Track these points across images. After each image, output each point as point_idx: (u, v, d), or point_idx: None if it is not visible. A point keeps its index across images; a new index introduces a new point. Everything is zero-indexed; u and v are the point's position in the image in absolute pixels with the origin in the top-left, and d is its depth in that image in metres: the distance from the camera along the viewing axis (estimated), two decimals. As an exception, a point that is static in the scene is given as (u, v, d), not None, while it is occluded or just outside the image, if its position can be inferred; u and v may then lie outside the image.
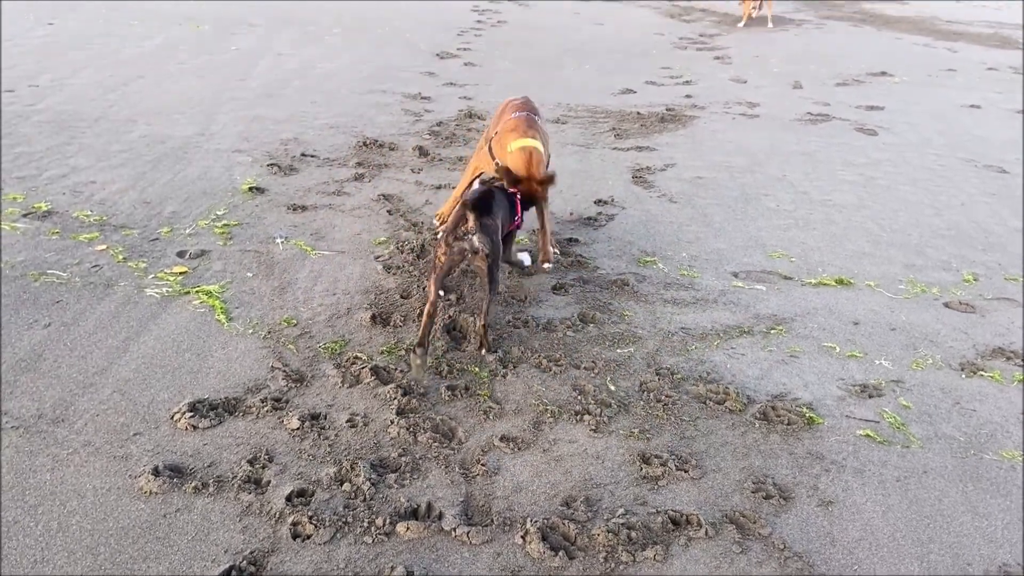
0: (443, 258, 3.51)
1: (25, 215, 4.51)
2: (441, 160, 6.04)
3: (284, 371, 3.31)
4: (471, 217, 3.48)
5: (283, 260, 4.30)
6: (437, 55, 9.42)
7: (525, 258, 4.27)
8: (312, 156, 5.90)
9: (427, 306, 3.46)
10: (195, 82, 7.54)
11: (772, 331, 3.91)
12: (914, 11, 13.69)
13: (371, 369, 3.36)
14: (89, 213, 4.61)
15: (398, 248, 4.51)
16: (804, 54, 10.40)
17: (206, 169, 5.48)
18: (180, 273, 4.04)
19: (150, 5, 11.06)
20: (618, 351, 3.67)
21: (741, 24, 11.91)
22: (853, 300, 4.27)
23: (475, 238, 3.48)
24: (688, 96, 8.23)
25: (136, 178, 5.20)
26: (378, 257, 4.43)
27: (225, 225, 4.64)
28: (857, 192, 5.78)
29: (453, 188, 5.12)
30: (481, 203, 3.57)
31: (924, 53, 10.58)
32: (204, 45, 9.09)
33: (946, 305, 4.28)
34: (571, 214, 5.17)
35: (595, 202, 5.42)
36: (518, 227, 4.04)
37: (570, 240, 4.77)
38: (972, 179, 6.12)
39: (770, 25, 11.85)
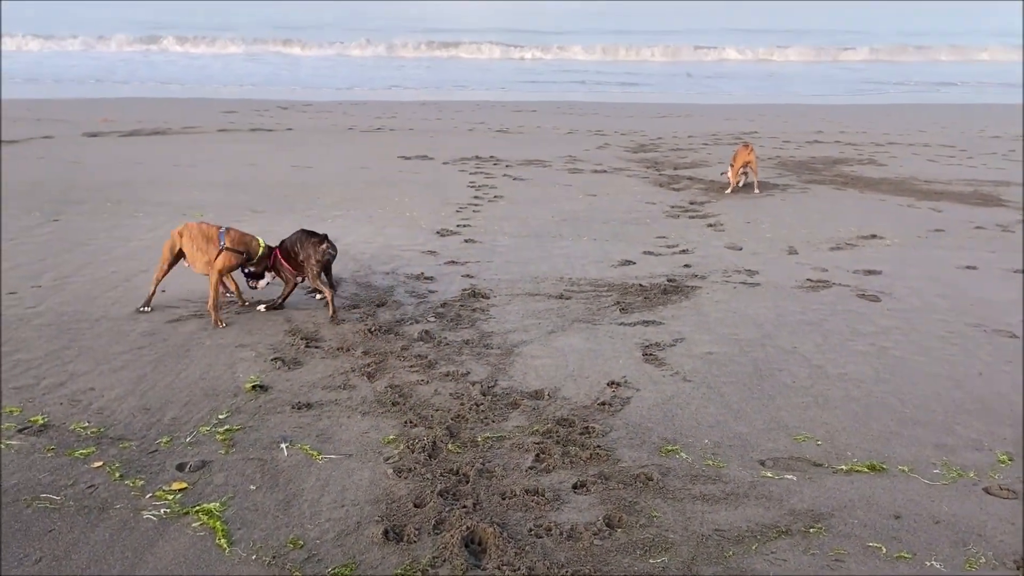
0: (317, 267, 6.36)
1: (21, 430, 4.34)
2: (447, 344, 5.96)
3: (291, 606, 3.04)
4: (326, 242, 6.36)
5: (288, 468, 4.10)
6: (438, 232, 9.60)
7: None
8: (317, 347, 5.82)
9: (329, 292, 6.47)
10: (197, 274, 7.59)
11: (812, 530, 3.66)
12: (893, 173, 14.25)
13: (386, 599, 3.09)
14: (87, 424, 4.44)
15: (408, 447, 4.33)
16: (794, 218, 10.67)
17: (208, 367, 5.37)
18: (179, 490, 3.83)
19: (156, 196, 11.40)
20: (651, 561, 3.41)
21: (728, 191, 12.32)
22: (890, 489, 4.05)
23: (331, 249, 6.41)
24: (687, 265, 8.32)
25: (136, 381, 5.08)
26: (387, 459, 4.23)
27: (227, 431, 4.46)
28: (872, 364, 5.69)
29: (452, 375, 5.02)
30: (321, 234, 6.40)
31: (910, 214, 10.89)
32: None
33: (986, 491, 4.06)
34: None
35: (608, 384, 5.29)
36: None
37: (586, 430, 4.60)
38: (984, 346, 6.05)
39: (757, 191, 12.26)
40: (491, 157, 15.20)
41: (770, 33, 54.15)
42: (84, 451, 4.15)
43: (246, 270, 6.56)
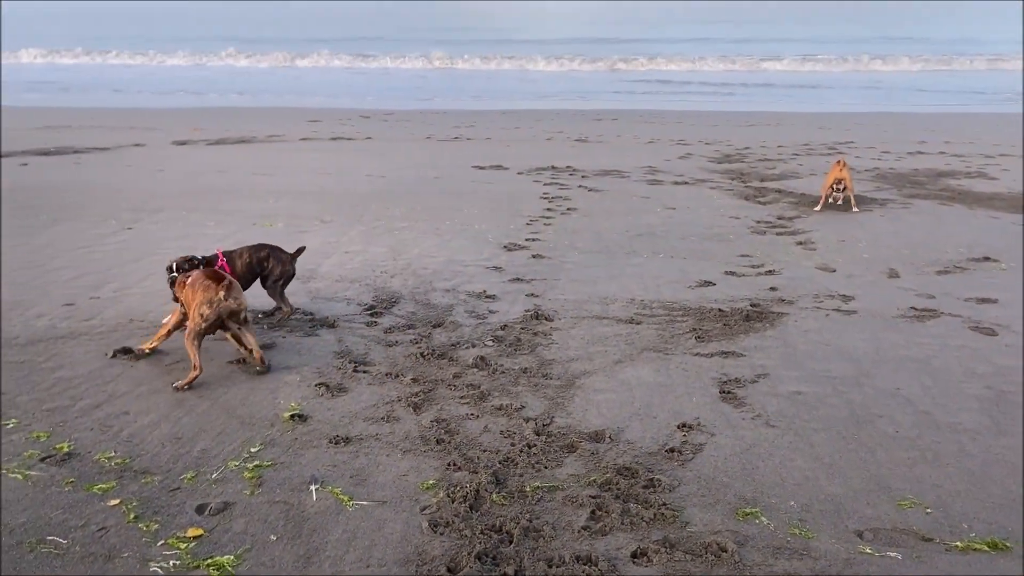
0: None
1: (44, 459, 4.11)
2: (503, 372, 5.51)
3: None
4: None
5: (314, 515, 3.71)
6: (505, 246, 9.19)
7: None
8: (365, 372, 5.45)
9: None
10: (258, 287, 7.38)
11: (921, 629, 3.02)
12: (1005, 187, 13.01)
13: None
14: (112, 455, 4.18)
15: (448, 496, 3.88)
16: (894, 237, 9.77)
17: (250, 391, 5.07)
18: (194, 537, 3.49)
19: (231, 205, 11.40)
20: (719, 658, 2.85)
21: (817, 209, 11.45)
22: (1016, 573, 3.35)
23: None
24: (773, 289, 7.62)
25: (174, 405, 4.81)
26: (424, 508, 3.79)
27: (257, 467, 4.12)
28: (990, 412, 4.92)
29: (505, 409, 4.57)
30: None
31: (1028, 233, 9.83)
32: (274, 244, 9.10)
33: None
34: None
35: (678, 427, 4.72)
36: None
37: (650, 483, 4.05)
38: None
39: (855, 209, 11.33)
40: (567, 167, 14.72)
41: (874, 42, 51.77)
42: (103, 486, 3.87)
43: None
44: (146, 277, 7.58)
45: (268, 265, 6.33)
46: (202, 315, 5.03)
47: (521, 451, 4.34)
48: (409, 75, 40.07)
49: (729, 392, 5.22)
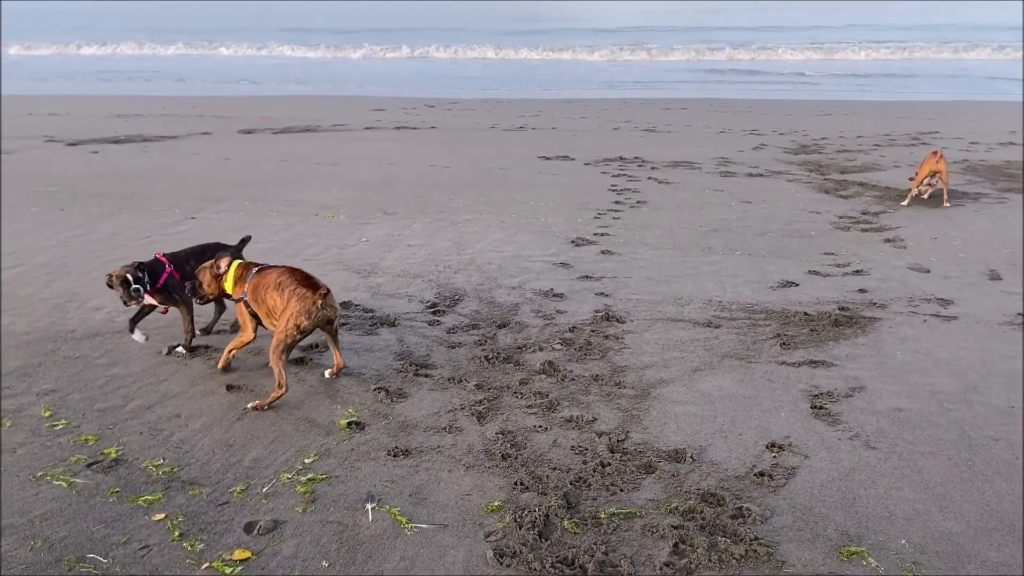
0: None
1: (90, 465, 3.92)
2: (573, 379, 5.14)
3: None
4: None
5: (370, 539, 3.41)
6: (572, 241, 8.80)
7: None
8: (426, 376, 5.16)
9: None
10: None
11: None
12: (1115, 180, 12.04)
13: None
14: (160, 462, 3.97)
15: (515, 521, 3.54)
16: (992, 235, 9.03)
17: (307, 395, 4.82)
18: (240, 560, 3.23)
19: (294, 195, 11.29)
20: None
21: (905, 203, 10.71)
22: None
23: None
24: (862, 290, 7.06)
25: (227, 409, 4.59)
26: (489, 535, 3.46)
27: (310, 480, 3.85)
28: None
29: (576, 422, 4.20)
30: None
31: None
32: (336, 236, 8.93)
33: None
34: None
35: (767, 446, 4.29)
36: None
37: (739, 512, 3.63)
38: None
39: (947, 204, 10.56)
40: (636, 158, 14.21)
41: (958, 29, 49.27)
42: (149, 497, 3.65)
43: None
44: (206, 269, 7.45)
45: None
46: (298, 326, 4.60)
47: (594, 470, 3.97)
48: (474, 65, 39.80)
49: (821, 407, 4.75)
